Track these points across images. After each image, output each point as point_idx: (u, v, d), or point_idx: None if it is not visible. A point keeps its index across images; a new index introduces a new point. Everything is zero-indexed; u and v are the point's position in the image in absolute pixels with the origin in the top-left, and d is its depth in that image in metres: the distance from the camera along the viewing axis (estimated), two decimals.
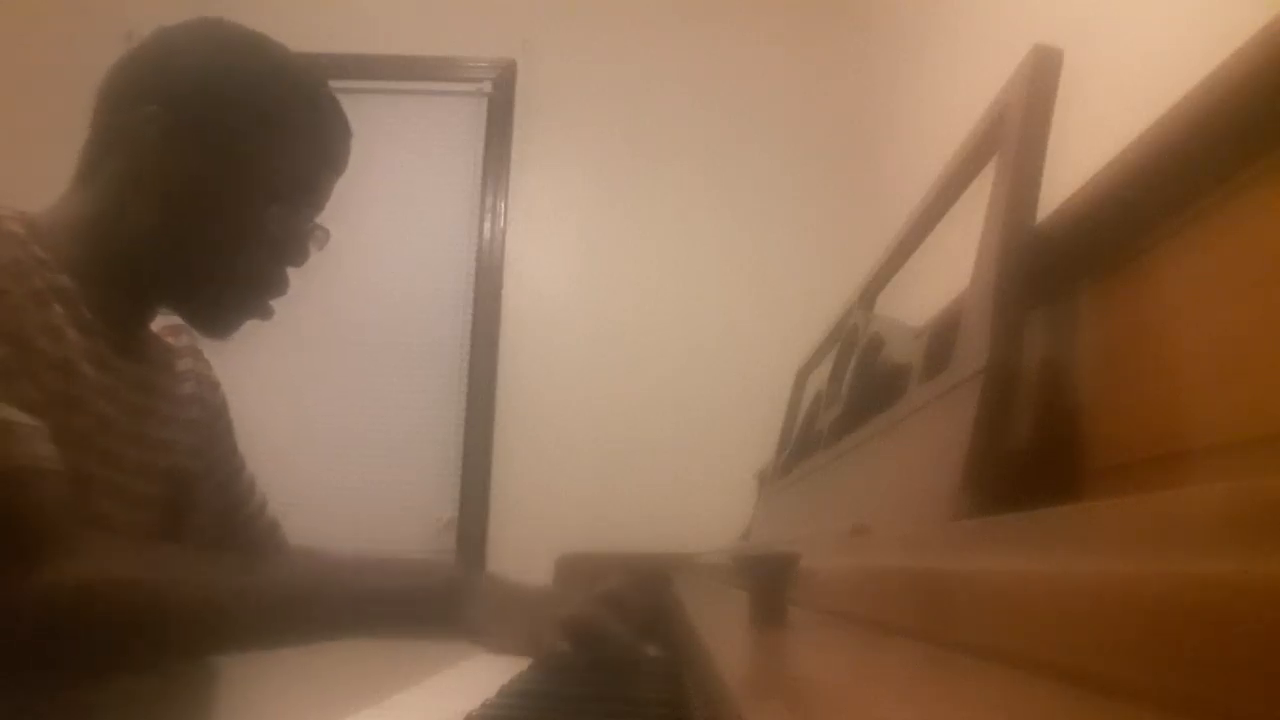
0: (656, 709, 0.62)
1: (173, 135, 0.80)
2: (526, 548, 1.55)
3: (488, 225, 2.39)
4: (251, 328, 0.89)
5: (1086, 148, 0.49)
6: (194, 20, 0.85)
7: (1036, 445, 0.47)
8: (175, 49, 0.83)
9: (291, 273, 0.89)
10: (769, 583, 0.46)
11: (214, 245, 0.83)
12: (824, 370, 1.04)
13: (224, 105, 0.82)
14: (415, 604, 0.81)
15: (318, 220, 0.90)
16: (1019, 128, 0.50)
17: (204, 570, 0.74)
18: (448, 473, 2.27)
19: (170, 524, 0.85)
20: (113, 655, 0.67)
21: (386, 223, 2.38)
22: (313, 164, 0.87)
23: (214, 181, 0.81)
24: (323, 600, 0.78)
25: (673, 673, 0.75)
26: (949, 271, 0.60)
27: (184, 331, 0.95)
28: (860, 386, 0.80)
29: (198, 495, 0.92)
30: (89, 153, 0.83)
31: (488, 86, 2.45)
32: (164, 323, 0.92)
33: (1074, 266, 0.47)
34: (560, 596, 0.90)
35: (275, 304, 0.90)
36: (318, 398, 2.29)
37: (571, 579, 1.44)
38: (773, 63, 2.42)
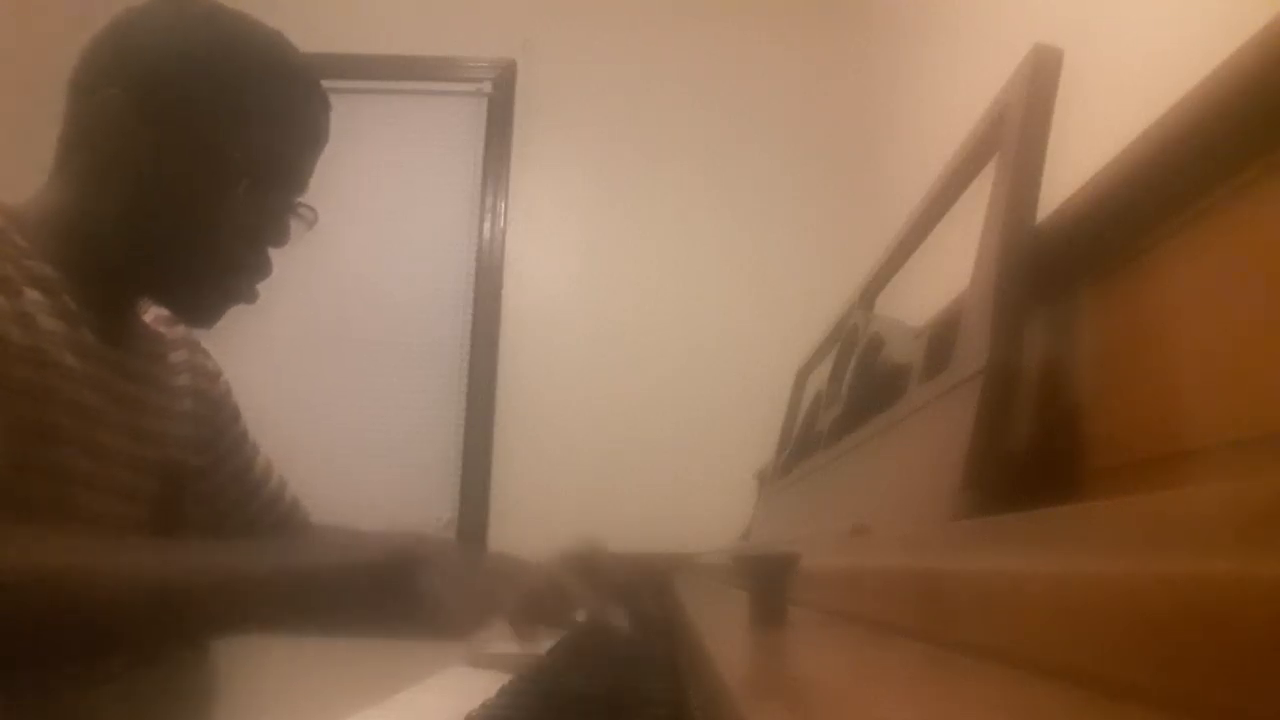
0: (657, 708, 0.62)
1: (134, 118, 0.77)
2: (526, 548, 1.54)
3: (488, 225, 2.39)
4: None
5: (1086, 148, 0.49)
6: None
7: (1036, 445, 0.47)
8: (135, 29, 0.80)
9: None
10: (769, 583, 0.46)
11: (185, 229, 0.79)
12: (824, 370, 1.04)
13: (184, 84, 0.78)
14: (360, 583, 0.75)
15: (305, 200, 0.86)
16: (1019, 128, 0.50)
17: (138, 557, 0.69)
18: (448, 473, 2.27)
19: (161, 518, 0.83)
20: (47, 646, 0.63)
21: (387, 223, 2.38)
22: (284, 139, 0.83)
23: (179, 163, 0.78)
24: (265, 583, 0.72)
25: (673, 672, 0.75)
26: (949, 271, 0.60)
27: (179, 322, 0.92)
28: (860, 386, 0.80)
29: (198, 489, 0.91)
30: (63, 141, 0.81)
31: (488, 86, 2.45)
32: (158, 313, 0.91)
33: (1074, 266, 0.47)
34: (530, 566, 0.85)
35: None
36: (317, 397, 2.29)
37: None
38: (773, 63, 2.42)
